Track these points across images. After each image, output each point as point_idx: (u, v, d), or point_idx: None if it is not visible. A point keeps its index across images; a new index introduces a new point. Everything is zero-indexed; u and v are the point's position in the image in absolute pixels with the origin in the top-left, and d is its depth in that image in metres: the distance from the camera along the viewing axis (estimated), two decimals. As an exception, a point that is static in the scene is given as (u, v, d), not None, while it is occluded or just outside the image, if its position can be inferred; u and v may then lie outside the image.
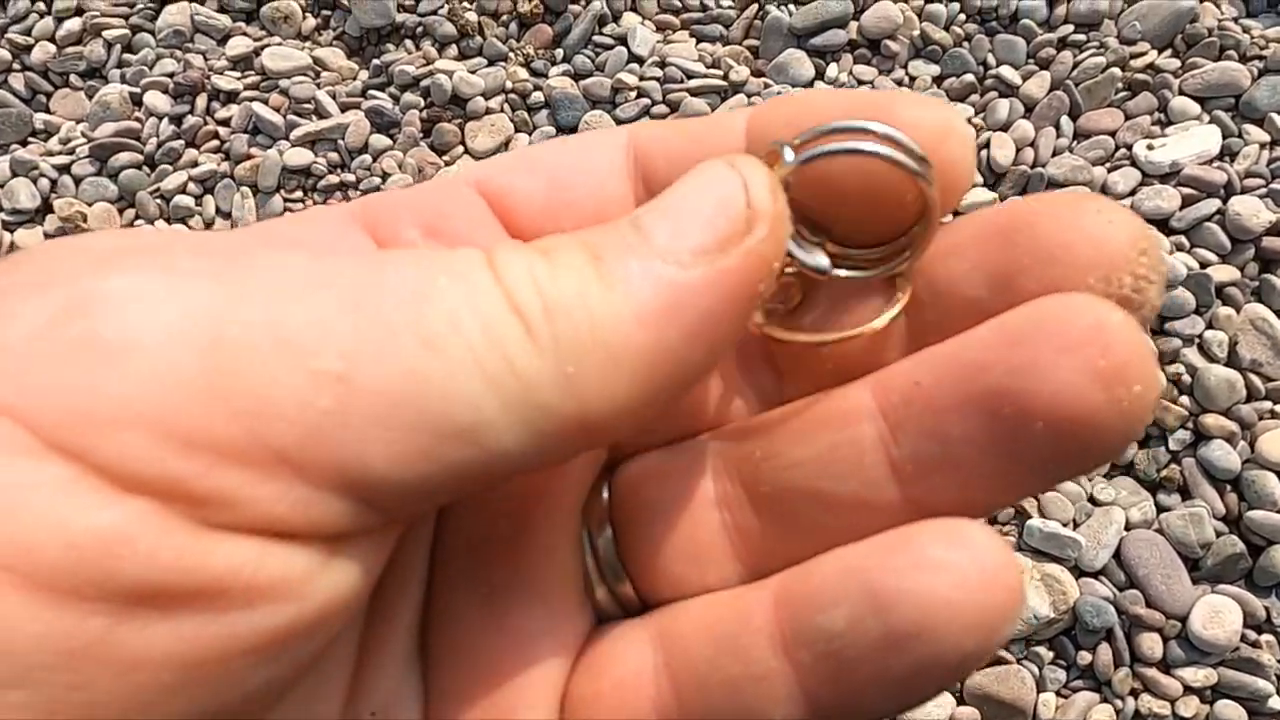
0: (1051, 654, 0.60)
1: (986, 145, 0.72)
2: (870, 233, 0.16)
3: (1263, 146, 0.69)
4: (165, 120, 0.78)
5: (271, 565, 0.12)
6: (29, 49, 0.83)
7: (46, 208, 0.77)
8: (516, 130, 0.77)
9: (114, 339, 0.11)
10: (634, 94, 0.76)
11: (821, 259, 0.15)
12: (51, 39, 0.83)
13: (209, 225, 0.76)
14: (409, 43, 0.81)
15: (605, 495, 0.17)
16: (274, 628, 0.12)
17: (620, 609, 0.17)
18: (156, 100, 0.79)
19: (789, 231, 0.14)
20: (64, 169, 0.77)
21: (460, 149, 0.77)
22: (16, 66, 0.83)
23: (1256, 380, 0.63)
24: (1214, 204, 0.67)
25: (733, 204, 0.14)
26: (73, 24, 0.83)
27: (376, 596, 0.16)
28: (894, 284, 0.16)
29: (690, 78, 0.76)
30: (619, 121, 0.75)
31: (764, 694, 0.14)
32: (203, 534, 0.12)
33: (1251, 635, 0.58)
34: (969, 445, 0.14)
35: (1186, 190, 0.68)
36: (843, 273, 0.16)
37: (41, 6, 0.84)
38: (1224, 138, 0.69)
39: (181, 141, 0.78)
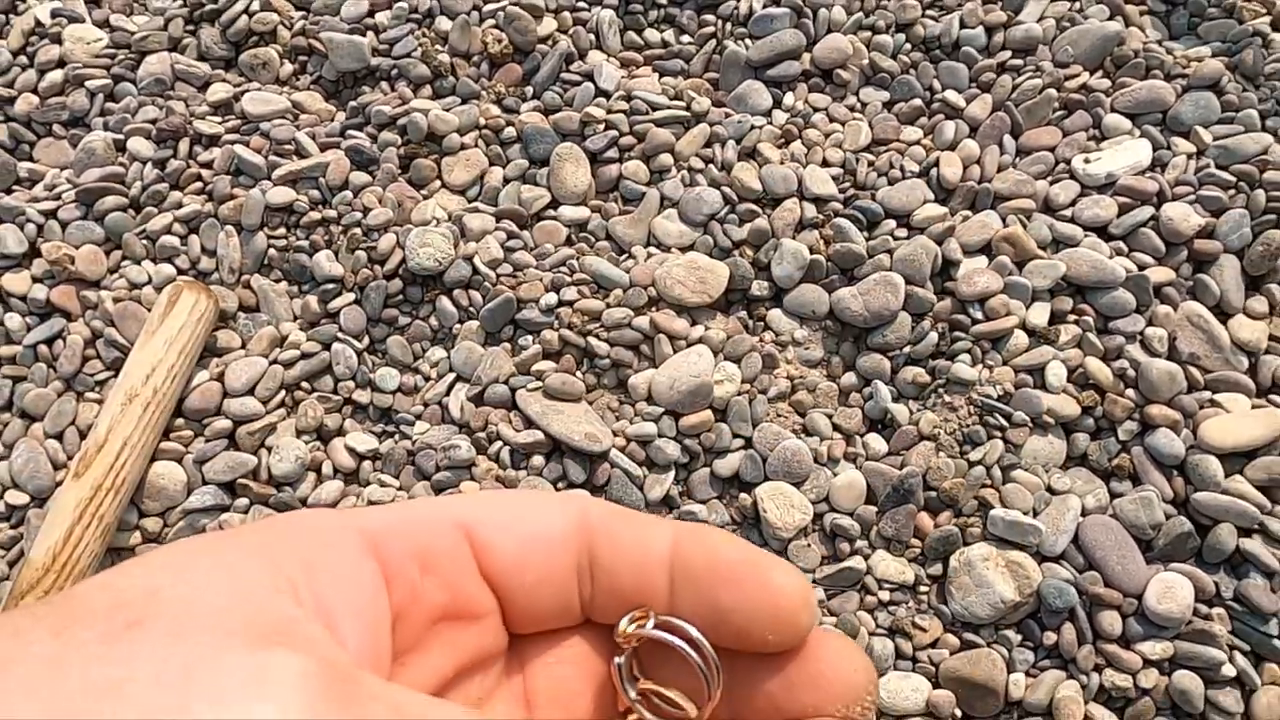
0: (1019, 636, 0.64)
1: (936, 164, 0.76)
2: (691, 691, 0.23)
3: (1190, 157, 0.74)
4: (149, 164, 0.81)
5: None
6: (12, 101, 0.85)
7: (34, 252, 0.79)
8: (491, 164, 0.80)
9: None
10: (602, 126, 0.80)
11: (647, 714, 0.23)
12: (34, 90, 0.85)
13: (194, 264, 0.78)
14: (384, 84, 0.84)
15: None
16: None
17: None
18: (140, 145, 0.81)
19: None
20: (50, 214, 0.80)
21: (437, 183, 0.80)
22: (0, 118, 0.85)
23: (1195, 372, 0.67)
24: (1148, 211, 0.72)
25: None
26: (55, 75, 0.85)
27: None
28: None
29: (655, 109, 0.80)
30: (589, 153, 0.79)
31: None
32: None
33: (1203, 609, 0.62)
34: None
35: (1122, 199, 0.73)
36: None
37: (24, 60, 0.87)
38: (1154, 150, 0.75)
39: (166, 184, 0.80)
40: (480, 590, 0.23)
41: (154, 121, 0.82)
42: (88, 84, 0.85)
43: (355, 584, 0.21)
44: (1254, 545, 0.62)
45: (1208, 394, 0.67)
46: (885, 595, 0.66)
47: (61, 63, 0.86)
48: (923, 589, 0.66)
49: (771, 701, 0.22)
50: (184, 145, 0.82)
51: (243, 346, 0.76)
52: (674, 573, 0.23)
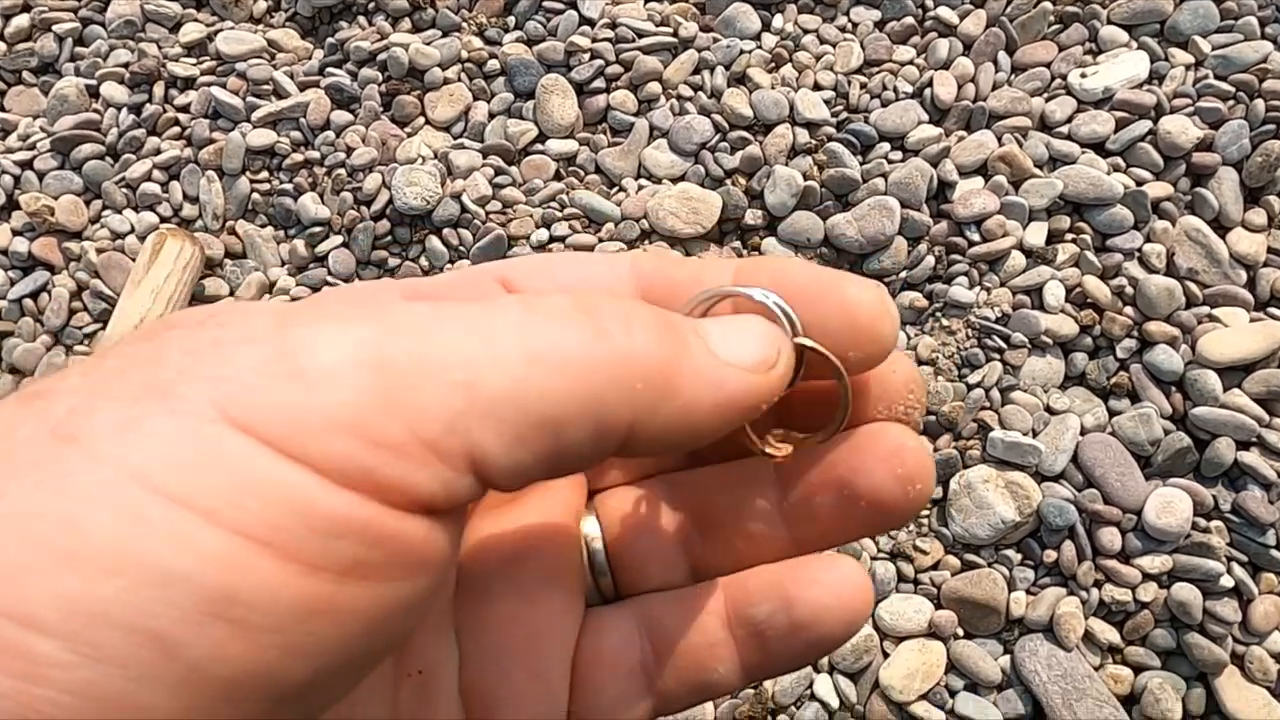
0: (1019, 555, 0.64)
1: (930, 84, 0.75)
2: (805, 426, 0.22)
3: (1188, 68, 0.73)
4: (124, 110, 0.79)
5: (430, 538, 0.16)
6: (-22, 48, 0.83)
7: (12, 204, 0.77)
8: (475, 98, 0.78)
9: (314, 369, 0.15)
10: (588, 55, 0.78)
11: (783, 445, 0.22)
12: (0, 37, 0.83)
13: (177, 211, 0.77)
14: (361, 19, 0.82)
15: (594, 515, 0.23)
16: (428, 588, 0.17)
17: (601, 598, 0.23)
18: (114, 91, 0.79)
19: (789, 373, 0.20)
20: (26, 164, 0.78)
21: (421, 120, 0.78)
22: (-33, 66, 0.83)
23: (1194, 287, 0.67)
24: (1145, 125, 0.70)
25: (774, 342, 0.20)
26: (20, 20, 0.83)
27: None
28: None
29: (641, 36, 0.78)
30: (574, 83, 0.77)
31: (713, 656, 0.22)
32: (391, 515, 0.16)
33: (1201, 523, 0.62)
34: (825, 507, 0.21)
35: (1120, 114, 0.71)
36: (787, 446, 0.22)
37: (-13, 5, 0.84)
38: (1152, 62, 0.73)
39: (143, 130, 0.78)
40: None
41: (126, 65, 0.80)
42: (55, 28, 0.82)
43: None
44: (1252, 458, 0.62)
45: (1206, 309, 0.66)
46: (886, 520, 0.66)
47: (27, 7, 0.83)
48: (923, 512, 0.66)
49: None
50: (159, 89, 0.79)
51: (231, 294, 0.75)
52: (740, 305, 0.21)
